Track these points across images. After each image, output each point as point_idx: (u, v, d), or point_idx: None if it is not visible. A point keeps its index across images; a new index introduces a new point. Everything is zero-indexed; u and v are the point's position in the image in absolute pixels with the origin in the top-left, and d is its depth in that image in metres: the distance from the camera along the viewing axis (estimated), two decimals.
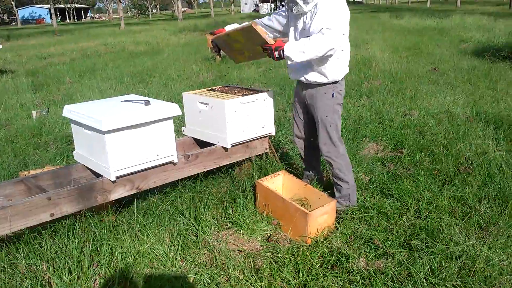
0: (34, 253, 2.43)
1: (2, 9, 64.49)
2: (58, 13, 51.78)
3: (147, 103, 2.71)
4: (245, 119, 3.10)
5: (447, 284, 2.11)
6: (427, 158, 3.72)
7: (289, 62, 2.66)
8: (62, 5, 61.38)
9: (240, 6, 75.26)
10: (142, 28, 30.78)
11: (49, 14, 65.42)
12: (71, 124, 2.86)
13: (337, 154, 2.94)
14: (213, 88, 3.48)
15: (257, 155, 3.40)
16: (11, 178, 3.44)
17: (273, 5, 61.41)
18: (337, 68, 2.75)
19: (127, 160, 2.59)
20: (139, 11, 71.60)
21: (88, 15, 78.34)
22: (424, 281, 2.16)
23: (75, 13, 68.71)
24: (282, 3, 64.06)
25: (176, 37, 19.95)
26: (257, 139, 3.29)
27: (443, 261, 2.31)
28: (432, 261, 2.31)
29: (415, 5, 51.95)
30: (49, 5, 51.72)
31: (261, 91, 3.20)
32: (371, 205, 2.97)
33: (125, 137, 2.54)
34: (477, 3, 45.77)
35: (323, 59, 2.68)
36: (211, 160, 3.08)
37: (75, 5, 66.43)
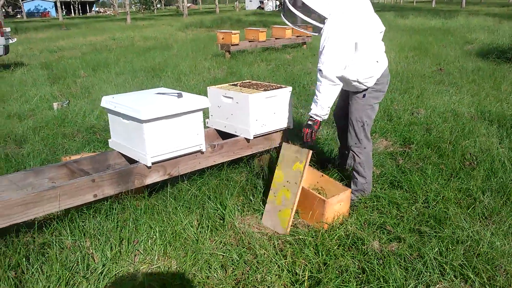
0: (79, 230, 2.67)
1: (7, 1, 64.72)
2: (63, 6, 52.04)
3: (179, 95, 2.94)
4: (266, 112, 3.33)
5: (454, 263, 2.35)
6: (434, 154, 3.95)
7: (324, 117, 2.93)
8: None
9: (244, 2, 75.35)
10: (148, 23, 30.99)
11: (54, 8, 65.70)
12: (108, 114, 3.09)
13: (361, 150, 3.13)
14: (235, 83, 3.71)
15: (275, 147, 3.64)
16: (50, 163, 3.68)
17: (278, 2, 61.48)
18: (363, 79, 2.87)
19: (161, 148, 2.82)
20: (144, 6, 71.76)
21: (93, 9, 78.58)
22: (434, 260, 2.40)
23: (80, 7, 68.98)
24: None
25: (183, 33, 20.16)
26: (276, 131, 3.53)
27: (449, 245, 2.54)
28: (440, 244, 2.55)
29: (420, 5, 51.99)
30: None
31: (281, 87, 3.44)
32: (382, 195, 3.21)
33: (160, 126, 2.78)
34: (482, 3, 45.87)
35: (344, 82, 2.88)
36: (235, 150, 3.32)
37: None
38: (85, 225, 2.71)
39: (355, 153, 3.16)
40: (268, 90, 3.37)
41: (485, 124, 4.70)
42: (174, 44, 14.68)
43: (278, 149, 3.69)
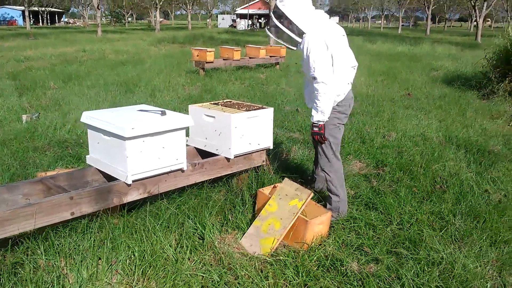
0: (53, 249, 2.59)
1: None
2: (31, 15, 50.81)
3: (163, 113, 2.94)
4: (248, 132, 3.37)
5: (431, 285, 2.42)
6: (406, 176, 4.08)
7: (326, 119, 3.09)
8: (36, 8, 60.30)
9: (217, 20, 75.97)
10: (120, 36, 30.69)
11: (21, 16, 64.10)
12: (88, 129, 3.04)
13: (331, 169, 3.27)
14: (217, 102, 3.74)
15: (254, 167, 3.66)
16: (12, 181, 3.57)
17: (250, 22, 62.30)
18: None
19: (142, 165, 2.80)
20: (115, 19, 71.14)
21: (62, 19, 77.13)
22: (411, 282, 2.46)
23: (48, 17, 67.56)
24: (259, 20, 65.18)
25: (156, 48, 20.09)
26: (257, 151, 3.56)
27: (425, 266, 2.62)
28: (416, 266, 2.62)
29: (386, 31, 53.93)
30: (22, 7, 50.78)
31: (263, 108, 3.49)
32: (359, 216, 3.28)
33: (143, 143, 2.76)
34: (445, 32, 48.02)
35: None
36: (215, 169, 3.33)
37: (49, 8, 65.34)
38: (60, 243, 2.63)
39: (326, 172, 3.29)
40: (250, 110, 3.41)
41: (453, 149, 4.90)
42: (147, 59, 14.59)
43: (257, 169, 3.73)
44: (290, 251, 2.84)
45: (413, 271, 2.57)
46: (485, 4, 28.32)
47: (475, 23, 47.82)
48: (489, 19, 66.88)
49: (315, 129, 3.11)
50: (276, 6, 3.09)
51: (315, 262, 2.71)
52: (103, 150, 2.94)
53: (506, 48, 8.31)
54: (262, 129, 3.48)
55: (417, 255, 2.75)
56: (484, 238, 2.94)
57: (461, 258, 2.67)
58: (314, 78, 2.95)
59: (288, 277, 2.55)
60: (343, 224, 3.20)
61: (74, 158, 4.34)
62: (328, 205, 3.34)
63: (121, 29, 47.29)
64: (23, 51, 17.39)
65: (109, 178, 3.07)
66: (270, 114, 3.51)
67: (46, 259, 2.53)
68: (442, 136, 5.42)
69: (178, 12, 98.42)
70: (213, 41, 25.89)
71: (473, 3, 29.60)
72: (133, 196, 2.86)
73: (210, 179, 3.41)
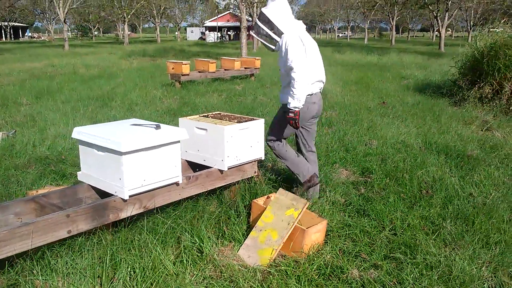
0: (49, 269, 2.51)
1: None
2: None
3: (157, 127, 2.91)
4: (240, 144, 3.37)
5: (433, 287, 2.47)
6: (393, 183, 4.17)
7: (301, 106, 3.39)
8: None
9: (186, 33, 75.89)
10: (88, 50, 30.21)
11: None
12: (80, 145, 2.98)
13: (275, 146, 3.74)
14: (206, 114, 3.73)
15: (247, 178, 3.66)
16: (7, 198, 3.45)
17: (219, 34, 62.57)
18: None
19: (139, 180, 2.76)
20: (81, 33, 69.99)
21: (26, 34, 75.26)
22: (413, 285, 2.51)
23: (12, 32, 65.76)
24: (228, 32, 65.54)
25: (127, 61, 19.85)
26: (248, 163, 3.57)
27: (424, 270, 2.68)
28: (415, 270, 2.67)
29: (353, 41, 55.24)
30: None
31: (254, 119, 3.51)
32: (352, 224, 3.33)
33: (139, 158, 2.72)
34: (409, 42, 49.57)
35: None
36: (209, 181, 3.31)
37: (12, 23, 63.69)
38: (56, 263, 2.55)
39: (272, 147, 3.77)
40: (242, 122, 3.42)
41: (434, 154, 5.04)
42: (119, 72, 14.40)
43: (248, 180, 3.73)
44: (289, 260, 2.84)
45: (413, 275, 2.62)
46: (446, 15, 29.44)
47: (437, 33, 49.61)
48: (449, 29, 69.50)
49: (291, 114, 3.38)
50: (261, 12, 3.55)
51: (315, 270, 2.73)
52: (96, 166, 2.89)
53: (474, 57, 8.65)
54: (254, 140, 3.50)
55: (414, 259, 2.81)
56: (476, 240, 3.03)
57: (457, 260, 2.74)
58: (291, 69, 3.30)
59: (291, 286, 2.55)
60: (338, 232, 3.24)
61: (58, 175, 4.22)
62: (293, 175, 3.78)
63: (88, 43, 46.59)
64: None
65: (102, 195, 3.01)
66: (261, 125, 3.53)
67: (43, 279, 2.45)
68: (421, 142, 5.58)
69: (146, 25, 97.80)
70: (184, 54, 25.84)
71: (435, 14, 30.70)
72: (129, 211, 2.81)
73: (203, 192, 3.39)
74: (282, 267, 2.74)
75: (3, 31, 64.29)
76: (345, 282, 2.62)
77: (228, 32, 65.00)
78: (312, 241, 3.00)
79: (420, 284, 2.53)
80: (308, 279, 2.63)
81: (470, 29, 45.35)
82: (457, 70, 9.18)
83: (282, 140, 3.77)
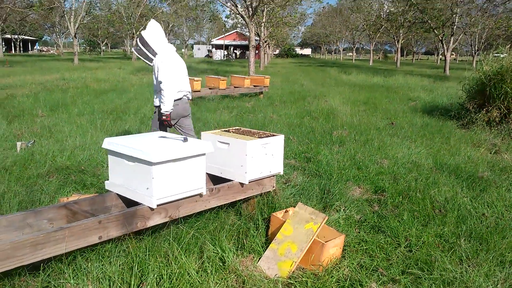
0: (81, 273, 2.60)
1: None
2: (3, 43, 50.19)
3: (185, 140, 3.03)
4: (261, 158, 3.48)
5: None
6: (406, 201, 4.25)
7: (170, 110, 4.42)
8: (9, 36, 59.62)
9: (192, 50, 76.81)
10: (97, 65, 30.61)
11: None
12: (109, 155, 3.10)
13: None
14: (227, 129, 3.86)
15: (265, 192, 3.76)
16: (22, 208, 3.55)
17: (225, 52, 63.28)
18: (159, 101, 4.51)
19: (166, 190, 2.87)
20: (90, 47, 70.98)
21: (35, 47, 76.36)
22: None
23: (21, 45, 66.79)
24: (235, 50, 66.34)
25: (136, 77, 20.13)
26: (268, 177, 3.68)
27: (441, 286, 2.75)
28: (433, 285, 2.75)
29: (358, 63, 55.75)
30: None
31: (275, 135, 3.63)
32: (369, 239, 3.41)
33: (167, 169, 2.83)
34: (414, 65, 49.98)
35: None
36: (230, 194, 3.42)
37: (22, 36, 64.69)
38: (87, 267, 2.65)
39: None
40: (263, 137, 3.54)
41: (445, 175, 5.13)
42: (130, 87, 14.63)
43: (266, 194, 3.83)
44: (308, 273, 2.92)
45: None
46: (451, 39, 29.79)
47: (441, 56, 50.04)
48: (453, 53, 70.10)
49: (164, 117, 4.42)
50: (140, 34, 4.55)
51: (335, 283, 2.81)
52: (124, 175, 3.00)
53: (481, 81, 8.80)
54: (274, 156, 3.61)
55: (431, 275, 2.88)
56: (490, 258, 3.10)
57: (473, 277, 2.82)
58: (161, 82, 4.31)
59: None
60: (355, 247, 3.32)
61: (79, 185, 4.34)
62: None
63: (97, 58, 47.21)
64: (0, 79, 17.15)
65: (128, 204, 3.12)
66: (281, 141, 3.65)
67: (75, 283, 2.54)
68: (432, 163, 5.67)
69: None
70: (192, 71, 26.12)
71: (440, 38, 31.07)
72: (156, 220, 2.91)
73: (224, 204, 3.49)
74: (303, 279, 2.82)
75: (13, 44, 65.24)
76: None
77: (235, 51, 65.73)
78: (330, 255, 3.08)
79: None
80: None
81: (475, 53, 45.76)
82: (465, 94, 9.31)
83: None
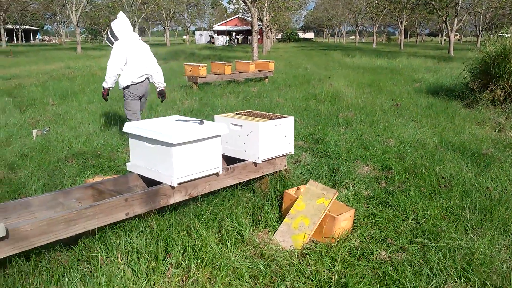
0: (111, 246, 2.79)
1: None
2: (6, 33, 50.19)
3: (201, 122, 3.19)
4: (272, 139, 3.64)
5: (457, 266, 2.72)
6: (412, 178, 4.41)
7: (108, 87, 5.40)
8: (10, 26, 59.54)
9: (194, 36, 76.50)
10: (100, 53, 30.66)
11: None
12: (130, 138, 3.27)
13: (129, 115, 5.56)
14: (239, 112, 4.01)
15: (277, 171, 3.93)
16: (47, 190, 3.75)
17: (227, 38, 63.04)
18: (122, 81, 5.36)
19: (185, 170, 3.04)
20: (91, 36, 70.84)
21: (37, 37, 76.28)
22: (438, 265, 2.76)
23: (23, 34, 66.73)
24: (236, 36, 66.06)
25: None
26: (279, 157, 3.84)
27: (447, 253, 2.93)
28: (439, 252, 2.92)
29: (361, 45, 55.41)
30: None
31: (285, 117, 3.78)
32: (377, 213, 3.58)
33: (186, 150, 3.00)
34: (418, 46, 49.67)
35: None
36: (244, 173, 3.59)
37: (24, 26, 64.58)
38: (116, 241, 2.83)
39: (127, 117, 5.64)
40: (274, 119, 3.70)
41: (450, 152, 5.28)
42: None
43: (278, 173, 4.00)
44: (321, 244, 3.10)
45: (437, 256, 2.87)
46: (455, 20, 29.57)
47: (445, 37, 49.64)
48: (458, 34, 69.46)
49: (103, 90, 5.43)
50: (110, 23, 5.40)
51: (347, 252, 2.98)
52: (146, 157, 3.17)
53: (485, 61, 8.87)
54: (285, 136, 3.77)
55: (437, 243, 3.06)
56: (494, 228, 3.27)
57: (478, 245, 2.99)
58: (108, 65, 5.22)
59: (326, 264, 2.81)
60: (364, 220, 3.50)
61: (97, 168, 4.52)
62: None
63: (99, 46, 47.17)
64: (6, 69, 17.30)
65: (149, 184, 3.30)
66: (291, 122, 3.80)
67: (105, 255, 2.73)
68: (437, 141, 5.81)
69: (155, 29, 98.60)
70: (195, 57, 26.24)
71: (444, 19, 30.85)
72: (176, 198, 3.09)
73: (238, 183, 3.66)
74: (316, 249, 3.00)
75: (14, 34, 65.18)
76: (375, 262, 2.87)
77: (237, 36, 65.45)
78: (341, 227, 3.26)
79: (445, 263, 2.78)
80: (341, 259, 2.88)
81: (479, 34, 45.40)
82: (469, 74, 9.39)
83: (133, 117, 5.56)
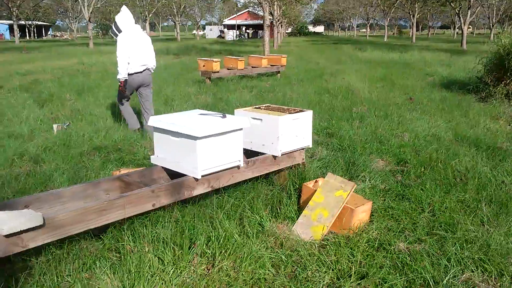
0: (138, 236, 2.91)
1: None
2: (18, 29, 50.77)
3: (224, 116, 3.29)
4: (291, 132, 3.73)
5: (474, 257, 2.79)
6: (428, 171, 4.47)
7: (123, 79, 5.60)
8: (23, 22, 60.20)
9: (204, 30, 76.62)
10: (112, 49, 30.77)
11: (8, 31, 63.90)
12: (154, 132, 3.37)
13: (119, 105, 6.01)
14: (258, 106, 4.10)
15: (296, 164, 4.02)
16: (73, 182, 3.88)
17: (238, 32, 63.04)
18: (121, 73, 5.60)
19: (209, 163, 3.14)
20: (103, 31, 71.25)
21: (49, 33, 76.98)
22: (455, 256, 2.83)
23: (35, 30, 67.43)
24: (247, 30, 66.04)
25: None
26: (298, 150, 3.93)
27: (464, 244, 3.00)
28: (456, 243, 2.99)
29: (372, 39, 55.07)
30: (9, 21, 50.77)
31: (303, 111, 3.86)
32: (395, 206, 3.65)
33: (210, 143, 3.10)
34: (430, 39, 49.23)
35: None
36: (264, 166, 3.68)
37: (36, 22, 65.26)
38: (143, 231, 2.95)
39: (119, 106, 6.15)
40: (292, 113, 3.78)
41: (465, 146, 5.32)
42: None
43: (296, 166, 4.08)
44: (340, 236, 3.19)
45: (455, 247, 2.94)
46: (468, 12, 29.27)
47: (457, 30, 49.09)
48: (470, 26, 68.66)
49: (119, 84, 5.61)
50: (115, 17, 5.75)
51: (365, 244, 3.07)
52: (170, 150, 3.27)
53: (499, 54, 8.84)
54: (303, 130, 3.85)
55: (454, 235, 3.13)
56: (510, 220, 3.33)
57: (494, 236, 3.05)
58: (117, 57, 5.47)
59: (345, 255, 2.90)
60: (381, 213, 3.57)
61: (119, 162, 4.65)
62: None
63: (111, 42, 47.46)
64: (20, 65, 17.57)
65: (172, 176, 3.41)
66: (309, 116, 3.88)
67: (133, 245, 2.85)
68: (452, 135, 5.85)
69: (165, 24, 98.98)
70: (206, 52, 26.34)
71: (457, 11, 30.55)
72: (200, 190, 3.19)
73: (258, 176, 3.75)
74: (335, 240, 3.09)
75: (27, 30, 65.86)
76: (393, 253, 2.95)
77: (247, 30, 65.43)
78: (359, 219, 3.34)
79: (462, 254, 2.85)
80: (360, 250, 2.97)
81: (493, 26, 44.85)
82: (483, 67, 9.36)
83: (123, 101, 5.96)
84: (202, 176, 3.12)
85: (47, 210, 2.81)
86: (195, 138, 3.01)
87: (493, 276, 2.67)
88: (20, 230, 2.25)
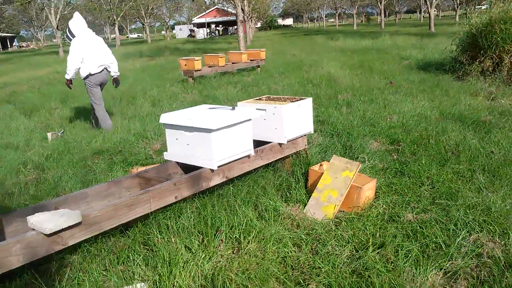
0: (164, 228, 3.04)
1: None
2: None
3: (233, 108, 3.44)
4: (294, 120, 3.90)
5: (479, 220, 3.03)
6: (421, 148, 4.72)
7: (70, 78, 6.34)
8: None
9: (173, 31, 75.99)
10: None
11: None
12: (166, 129, 3.49)
13: (94, 107, 6.52)
14: (259, 98, 4.26)
15: (299, 150, 4.20)
16: (85, 186, 3.96)
17: (208, 30, 62.83)
18: (82, 72, 6.27)
19: (223, 154, 3.29)
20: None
21: (14, 44, 75.02)
22: (461, 220, 3.07)
23: (0, 43, 65.61)
24: (217, 28, 65.89)
25: (128, 63, 20.23)
26: (300, 137, 4.11)
27: (467, 209, 3.24)
28: (460, 209, 3.23)
29: (341, 28, 55.76)
30: None
31: (303, 99, 4.04)
32: (396, 182, 3.88)
33: (223, 135, 3.25)
34: (398, 24, 50.15)
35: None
36: (271, 154, 3.85)
37: (0, 34, 63.45)
38: (167, 223, 3.08)
39: (92, 108, 6.68)
40: (294, 101, 3.95)
41: (451, 123, 5.60)
42: (127, 73, 14.81)
43: (298, 153, 4.27)
44: (350, 213, 3.39)
45: (459, 213, 3.17)
46: None
47: (424, 13, 50.06)
48: (435, 9, 70.19)
49: (66, 81, 6.36)
50: (68, 23, 6.29)
51: (375, 218, 3.28)
52: (184, 145, 3.40)
53: (471, 33, 9.21)
54: (305, 117, 4.03)
55: (456, 202, 3.36)
56: (504, 186, 3.59)
57: (493, 200, 3.30)
58: (67, 60, 6.10)
59: (359, 228, 3.10)
60: (385, 189, 3.79)
61: (124, 163, 4.74)
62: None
63: None
64: None
65: (185, 170, 3.54)
66: (310, 103, 4.06)
67: (160, 237, 2.98)
68: (437, 113, 6.14)
69: (133, 26, 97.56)
70: (179, 52, 26.27)
71: None
72: (216, 180, 3.34)
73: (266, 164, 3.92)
74: (348, 217, 3.29)
75: None
76: (403, 223, 3.17)
77: (217, 28, 65.29)
78: (366, 196, 3.55)
79: (467, 218, 3.09)
80: (372, 223, 3.17)
81: (457, 7, 46.03)
82: (457, 47, 9.73)
83: (97, 101, 6.48)
84: (218, 166, 3.26)
85: (75, 209, 2.90)
86: (209, 130, 3.15)
87: (497, 235, 2.91)
88: (61, 229, 2.36)
